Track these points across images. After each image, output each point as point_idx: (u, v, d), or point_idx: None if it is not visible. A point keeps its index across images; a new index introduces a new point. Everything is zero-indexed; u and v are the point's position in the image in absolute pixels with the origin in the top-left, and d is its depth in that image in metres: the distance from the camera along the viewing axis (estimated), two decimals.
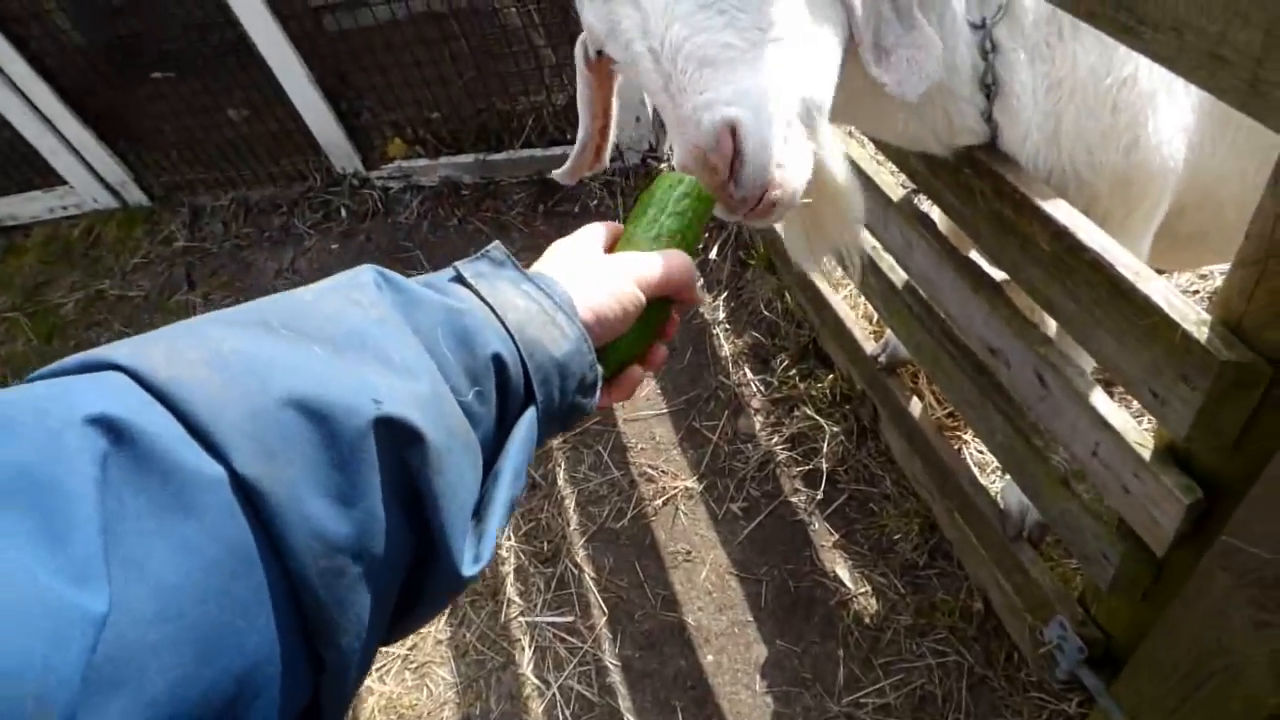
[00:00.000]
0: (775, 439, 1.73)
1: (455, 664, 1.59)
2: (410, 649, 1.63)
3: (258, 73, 2.41)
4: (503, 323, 0.42)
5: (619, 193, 2.35)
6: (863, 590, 1.48)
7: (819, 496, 1.62)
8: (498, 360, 0.41)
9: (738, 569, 1.58)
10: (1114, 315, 0.75)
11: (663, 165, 2.33)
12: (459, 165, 2.53)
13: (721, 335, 1.96)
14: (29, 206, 3.02)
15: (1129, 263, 0.73)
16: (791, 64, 0.65)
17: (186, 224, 2.83)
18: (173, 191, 2.89)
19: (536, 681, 1.53)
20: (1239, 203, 0.96)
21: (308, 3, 2.28)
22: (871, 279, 1.37)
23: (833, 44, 0.70)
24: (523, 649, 1.57)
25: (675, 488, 1.73)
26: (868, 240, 1.34)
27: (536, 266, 0.51)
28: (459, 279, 0.45)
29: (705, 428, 1.80)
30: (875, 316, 1.71)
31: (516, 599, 1.65)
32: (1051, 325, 1.10)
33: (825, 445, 1.66)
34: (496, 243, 0.49)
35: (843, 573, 1.52)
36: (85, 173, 2.82)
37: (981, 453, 1.56)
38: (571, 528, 1.72)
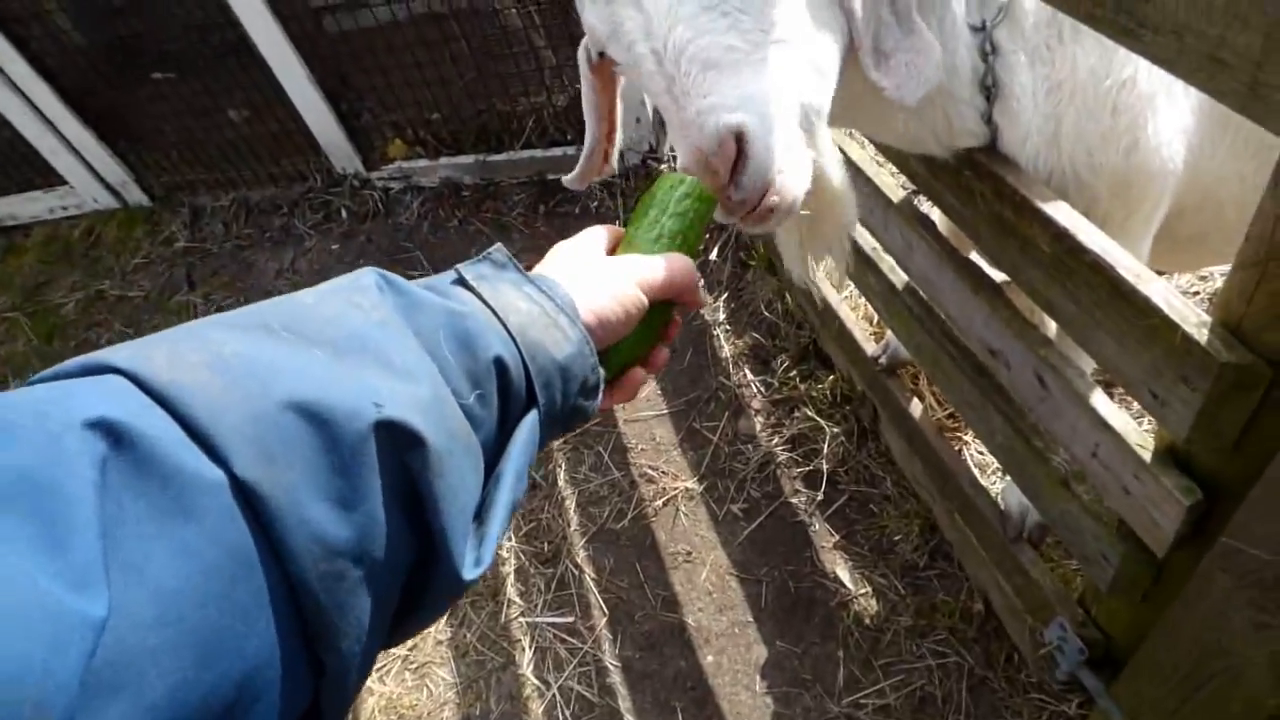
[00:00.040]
0: (775, 440, 1.73)
1: (455, 664, 1.59)
2: (410, 649, 1.63)
3: (258, 73, 2.41)
4: (504, 325, 0.42)
5: (619, 194, 2.36)
6: (863, 591, 1.48)
7: (819, 497, 1.62)
8: (499, 363, 0.41)
9: (738, 570, 1.58)
10: (1114, 317, 0.75)
11: (663, 166, 2.33)
12: (459, 166, 2.53)
13: (722, 336, 1.96)
14: (29, 206, 3.02)
15: (1129, 265, 0.73)
16: (793, 68, 0.66)
17: (187, 224, 2.83)
18: (173, 192, 2.89)
19: (536, 682, 1.53)
20: (1239, 204, 0.96)
21: (308, 3, 2.29)
22: (872, 280, 1.37)
23: (833, 48, 0.70)
24: (523, 649, 1.57)
25: (676, 488, 1.73)
26: (868, 241, 1.34)
27: (538, 269, 0.51)
28: (461, 281, 0.45)
29: (706, 429, 1.80)
30: (876, 318, 1.71)
31: (517, 599, 1.65)
32: (1051, 327, 1.10)
33: (826, 446, 1.66)
34: (498, 245, 0.49)
35: (843, 574, 1.52)
36: (86, 173, 2.82)
37: (982, 454, 1.56)
38: (572, 528, 1.72)
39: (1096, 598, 1.06)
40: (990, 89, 0.83)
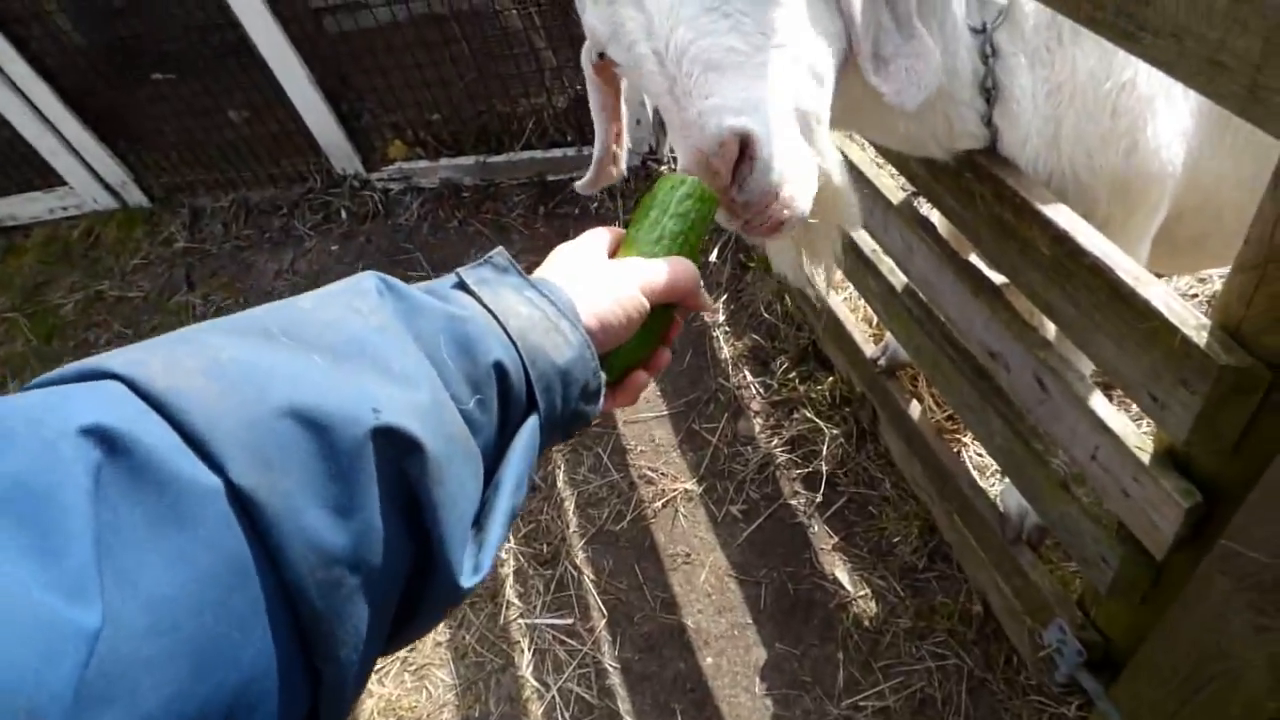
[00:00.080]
0: (775, 441, 1.73)
1: (454, 666, 1.59)
2: (410, 651, 1.62)
3: (258, 74, 2.41)
4: (505, 330, 0.42)
5: (619, 195, 2.36)
6: (862, 593, 1.48)
7: (818, 499, 1.62)
8: (499, 368, 0.41)
9: (737, 571, 1.58)
10: (1114, 319, 0.75)
11: (663, 168, 2.33)
12: (459, 167, 2.53)
13: (721, 338, 1.96)
14: (29, 207, 3.02)
15: (1129, 267, 0.73)
16: (794, 73, 0.66)
17: (186, 225, 2.83)
18: (173, 192, 2.89)
19: (536, 684, 1.52)
20: (1238, 207, 0.97)
21: (309, 4, 2.29)
22: (872, 282, 1.37)
23: (832, 53, 0.70)
24: (522, 651, 1.57)
25: (675, 490, 1.73)
26: (868, 243, 1.34)
27: (540, 272, 0.51)
28: (461, 285, 0.45)
29: (705, 430, 1.80)
30: (875, 319, 1.71)
31: (516, 601, 1.64)
32: (1051, 329, 1.10)
33: (825, 448, 1.66)
34: (500, 249, 0.48)
35: (842, 575, 1.52)
36: (85, 173, 2.82)
37: (981, 456, 1.56)
38: (571, 530, 1.72)
39: (1096, 600, 1.06)
40: (990, 91, 0.84)
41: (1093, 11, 0.58)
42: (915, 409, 1.45)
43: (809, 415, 1.72)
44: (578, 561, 1.67)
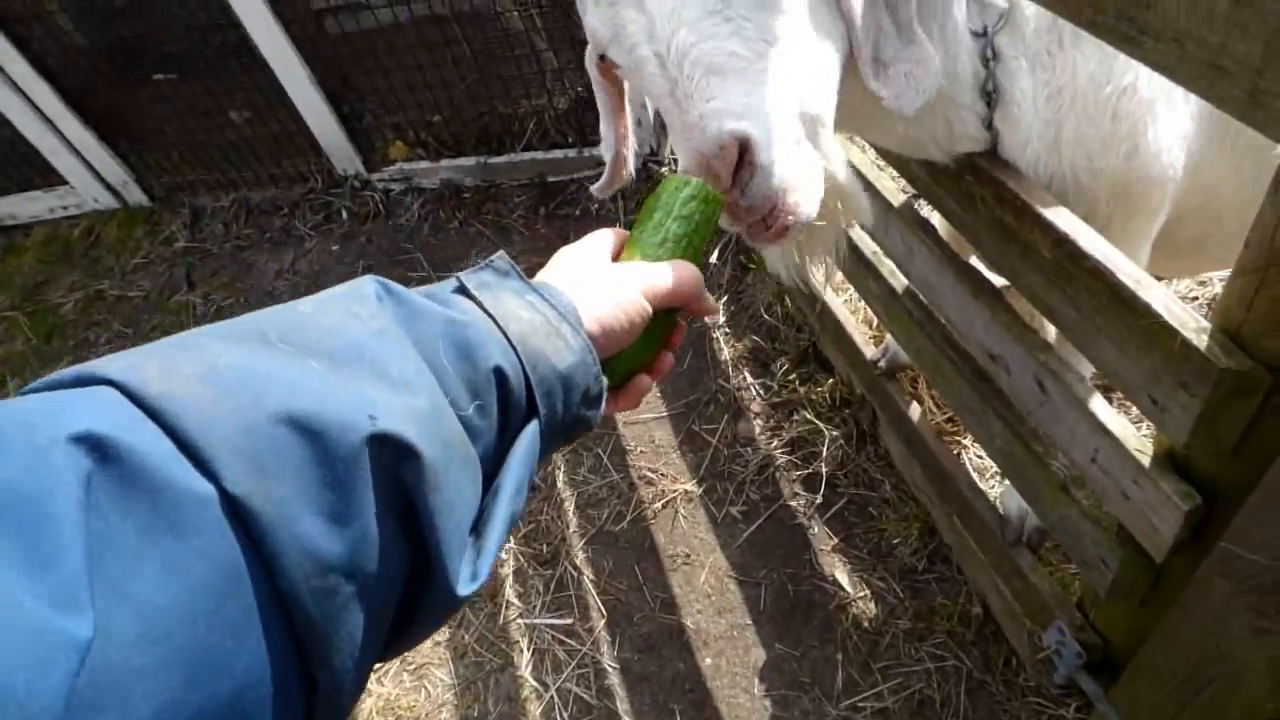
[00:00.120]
0: (775, 443, 1.73)
1: (454, 665, 1.59)
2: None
3: (260, 75, 2.42)
4: (505, 334, 0.42)
5: (620, 195, 2.36)
6: (861, 594, 1.48)
7: (818, 500, 1.62)
8: (499, 373, 0.40)
9: (737, 572, 1.58)
10: (1114, 322, 0.76)
11: (664, 169, 2.33)
12: (460, 168, 2.54)
13: (721, 339, 1.96)
14: (29, 206, 3.02)
15: (1129, 270, 0.74)
16: (796, 78, 0.66)
17: (187, 224, 2.83)
18: (174, 192, 2.89)
19: (535, 684, 1.52)
20: (1238, 210, 0.97)
21: (310, 5, 2.29)
22: (872, 284, 1.37)
23: (834, 57, 0.70)
24: (521, 651, 1.57)
25: (675, 491, 1.73)
26: (869, 245, 1.34)
27: (542, 275, 0.51)
28: (462, 290, 0.44)
29: (705, 431, 1.80)
30: (875, 321, 1.71)
31: (515, 601, 1.65)
32: (1051, 332, 1.11)
33: (825, 449, 1.66)
34: (501, 252, 0.48)
35: (841, 577, 1.52)
36: (86, 173, 2.82)
37: (981, 458, 1.56)
38: (571, 530, 1.72)
39: (1095, 602, 1.06)
40: (991, 94, 0.84)
41: (1093, 15, 0.58)
42: (915, 411, 1.46)
43: (809, 417, 1.72)
44: (577, 562, 1.67)
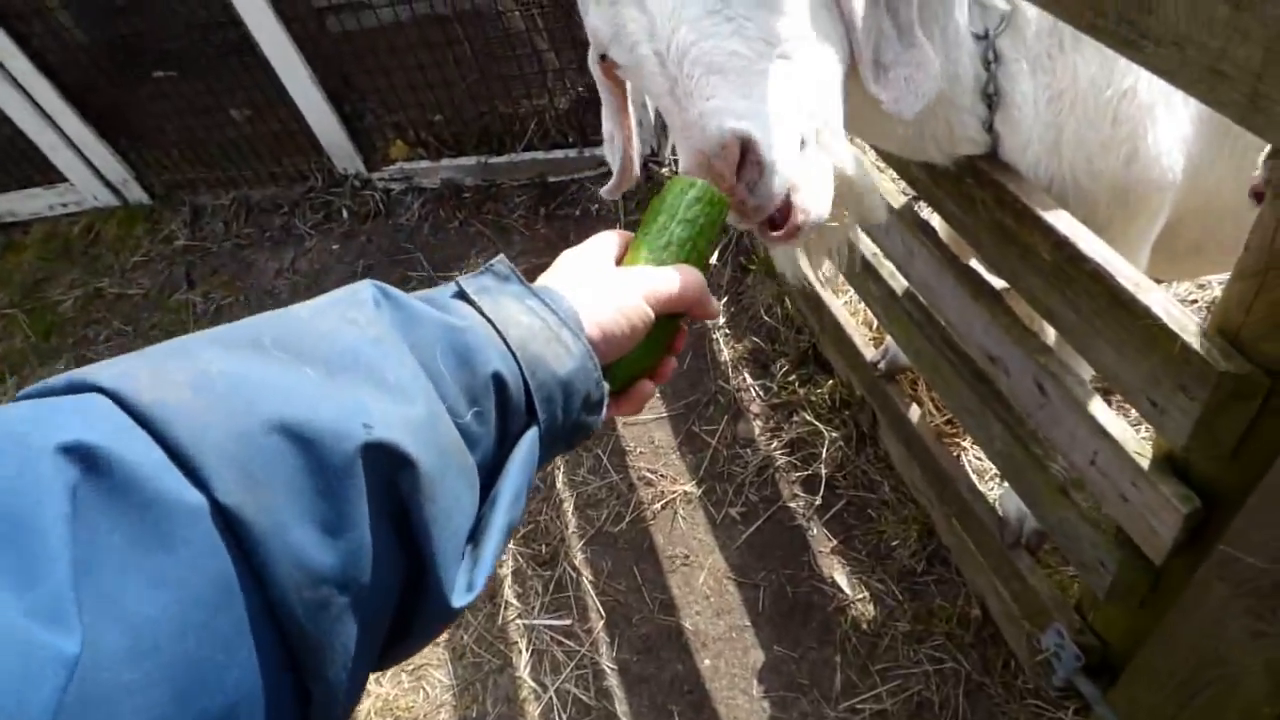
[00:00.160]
0: (774, 444, 1.73)
1: (452, 666, 1.58)
2: None
3: (260, 73, 2.42)
4: (504, 340, 0.41)
5: (621, 195, 2.36)
6: (860, 596, 1.48)
7: (817, 502, 1.62)
8: (498, 379, 0.40)
9: (736, 574, 1.58)
10: (1114, 325, 0.76)
11: (664, 170, 2.33)
12: (460, 167, 2.54)
13: (721, 340, 1.96)
14: (29, 203, 3.02)
15: (1129, 273, 0.74)
16: (798, 78, 0.66)
17: (187, 223, 2.83)
18: (174, 190, 2.89)
19: (533, 685, 1.52)
20: (1237, 214, 0.97)
21: (311, 4, 2.29)
22: (872, 286, 1.37)
23: (835, 60, 0.70)
24: (520, 652, 1.57)
25: (674, 492, 1.73)
26: (869, 247, 1.35)
27: (544, 278, 0.50)
28: (461, 294, 0.44)
29: (704, 432, 1.80)
30: (875, 323, 1.72)
31: (514, 602, 1.65)
32: (1051, 334, 1.11)
33: (824, 451, 1.66)
34: (501, 256, 0.48)
35: (840, 578, 1.52)
36: (86, 170, 2.82)
37: (980, 460, 1.56)
38: (570, 531, 1.72)
39: (1094, 604, 1.06)
40: (992, 97, 0.84)
41: (1094, 19, 0.58)
42: (915, 413, 1.46)
43: (808, 418, 1.72)
44: (576, 563, 1.67)
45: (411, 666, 1.60)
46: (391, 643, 0.37)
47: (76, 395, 0.31)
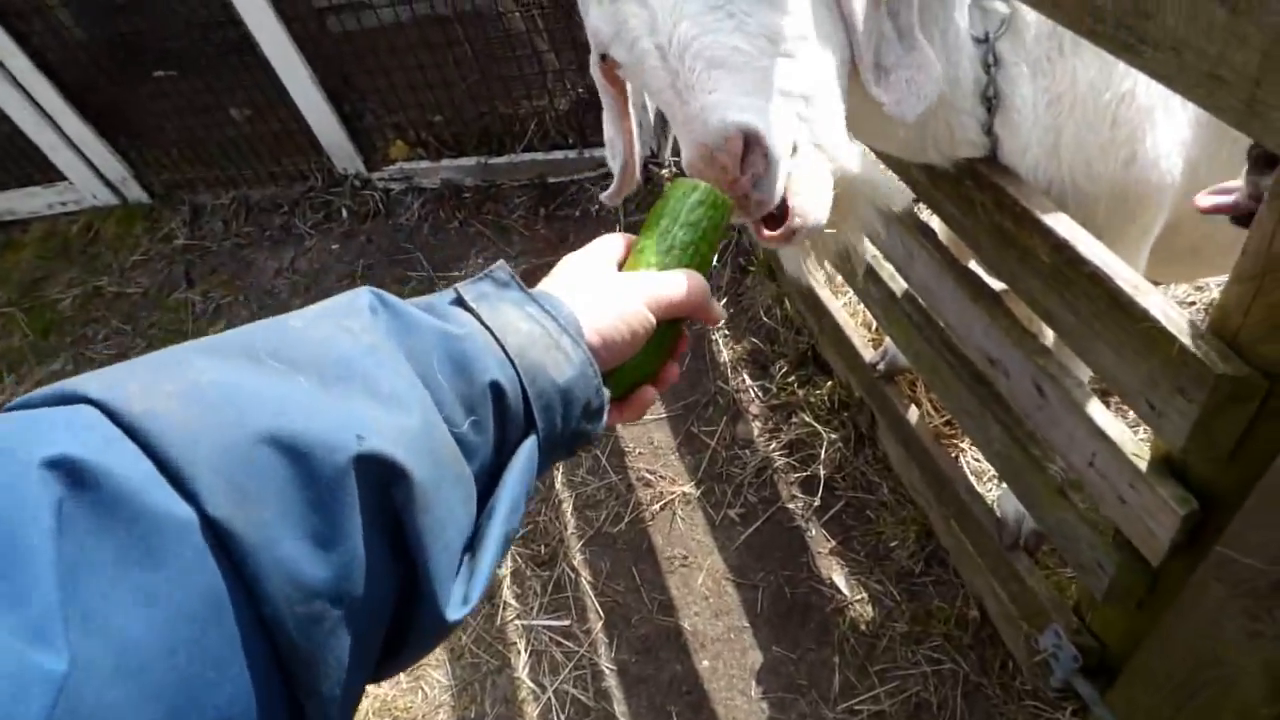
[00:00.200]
0: (773, 445, 1.74)
1: (450, 667, 1.58)
2: None
3: (261, 73, 2.42)
4: (503, 347, 0.41)
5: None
6: (859, 597, 1.49)
7: (816, 503, 1.62)
8: (496, 387, 0.40)
9: (734, 575, 1.58)
10: (1112, 328, 0.76)
11: (664, 171, 2.34)
12: (460, 168, 2.54)
13: (721, 341, 1.96)
14: (28, 202, 3.01)
15: (1128, 276, 0.74)
16: (798, 78, 0.66)
17: (186, 222, 2.83)
18: (173, 189, 2.89)
19: (532, 685, 1.52)
20: None
21: (312, 3, 2.29)
22: (871, 287, 1.38)
23: (836, 62, 0.70)
24: (519, 652, 1.57)
25: (673, 493, 1.73)
26: (868, 249, 1.35)
27: (544, 284, 0.50)
28: (459, 301, 0.43)
29: (703, 433, 1.81)
30: (874, 324, 1.72)
31: (513, 602, 1.65)
32: (1050, 336, 1.11)
33: (823, 452, 1.67)
34: (501, 262, 0.47)
35: (839, 579, 1.52)
36: (85, 169, 2.81)
37: (978, 461, 1.56)
38: (569, 531, 1.72)
39: (1092, 605, 1.07)
40: (992, 100, 0.84)
41: (1093, 24, 0.59)
42: (913, 414, 1.46)
43: (807, 419, 1.72)
44: (575, 563, 1.67)
45: (410, 667, 1.60)
46: (387, 655, 0.37)
47: (65, 407, 0.30)
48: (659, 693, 1.47)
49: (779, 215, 0.64)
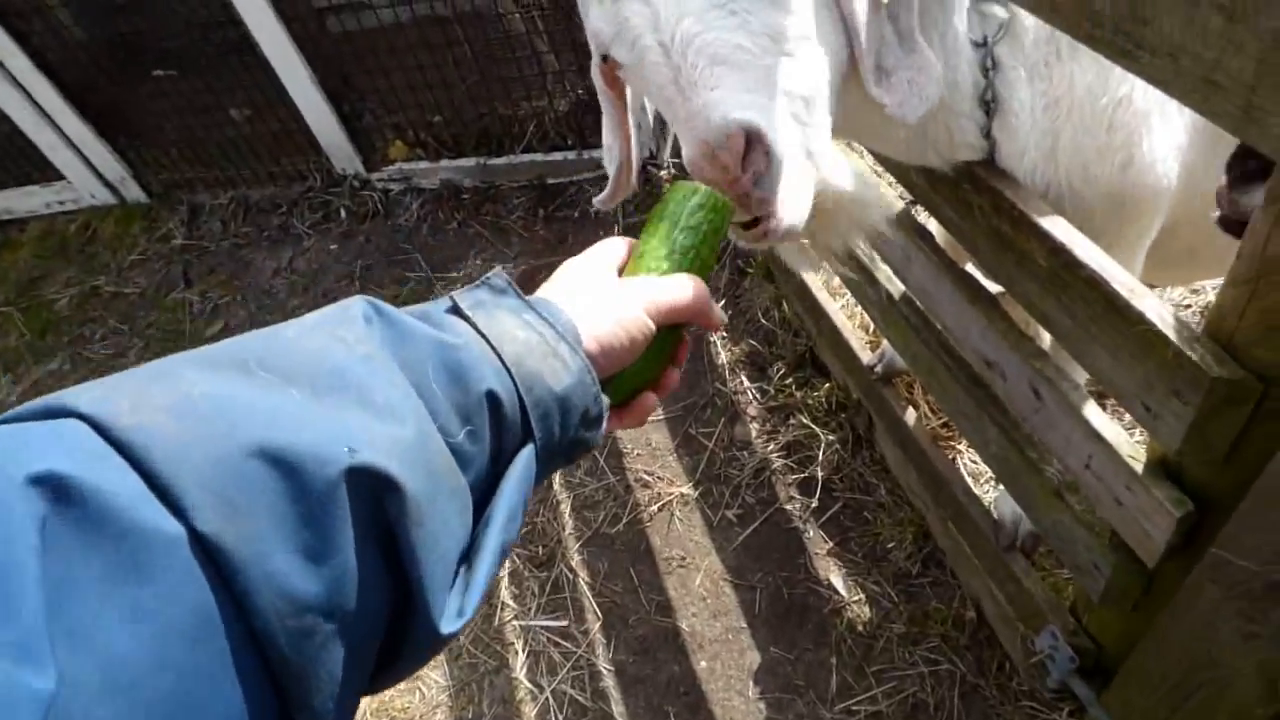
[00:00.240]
0: (771, 446, 1.74)
1: (448, 667, 1.58)
2: None
3: (260, 73, 2.42)
4: (499, 356, 0.40)
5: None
6: (856, 598, 1.49)
7: (814, 504, 1.63)
8: (492, 396, 0.39)
9: (732, 575, 1.58)
10: (1109, 330, 0.76)
11: (663, 172, 2.34)
12: (460, 169, 2.54)
13: (719, 343, 1.97)
14: (26, 201, 3.01)
15: (1124, 279, 0.75)
16: (798, 78, 0.66)
17: (185, 222, 2.82)
18: (171, 189, 2.88)
19: (530, 686, 1.53)
20: None
21: (311, 3, 2.29)
22: (869, 290, 1.38)
23: (835, 63, 0.71)
24: (516, 653, 1.57)
25: (671, 494, 1.73)
26: (866, 251, 1.35)
27: (543, 290, 0.49)
28: (455, 309, 0.43)
29: (701, 434, 1.81)
30: (872, 327, 1.72)
31: (511, 603, 1.65)
32: (1046, 338, 1.12)
33: (821, 453, 1.67)
34: (498, 269, 0.47)
35: (836, 580, 1.52)
36: (84, 168, 2.81)
37: (975, 463, 1.57)
38: (567, 532, 1.72)
39: (1088, 607, 1.07)
40: (990, 104, 0.85)
41: (1091, 29, 0.59)
42: (911, 416, 1.47)
43: (805, 421, 1.73)
44: (573, 564, 1.67)
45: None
46: (381, 667, 0.36)
47: (54, 421, 0.30)
48: (656, 693, 1.47)
49: (756, 216, 0.64)
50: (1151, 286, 0.81)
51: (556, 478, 1.82)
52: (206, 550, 0.29)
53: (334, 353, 0.36)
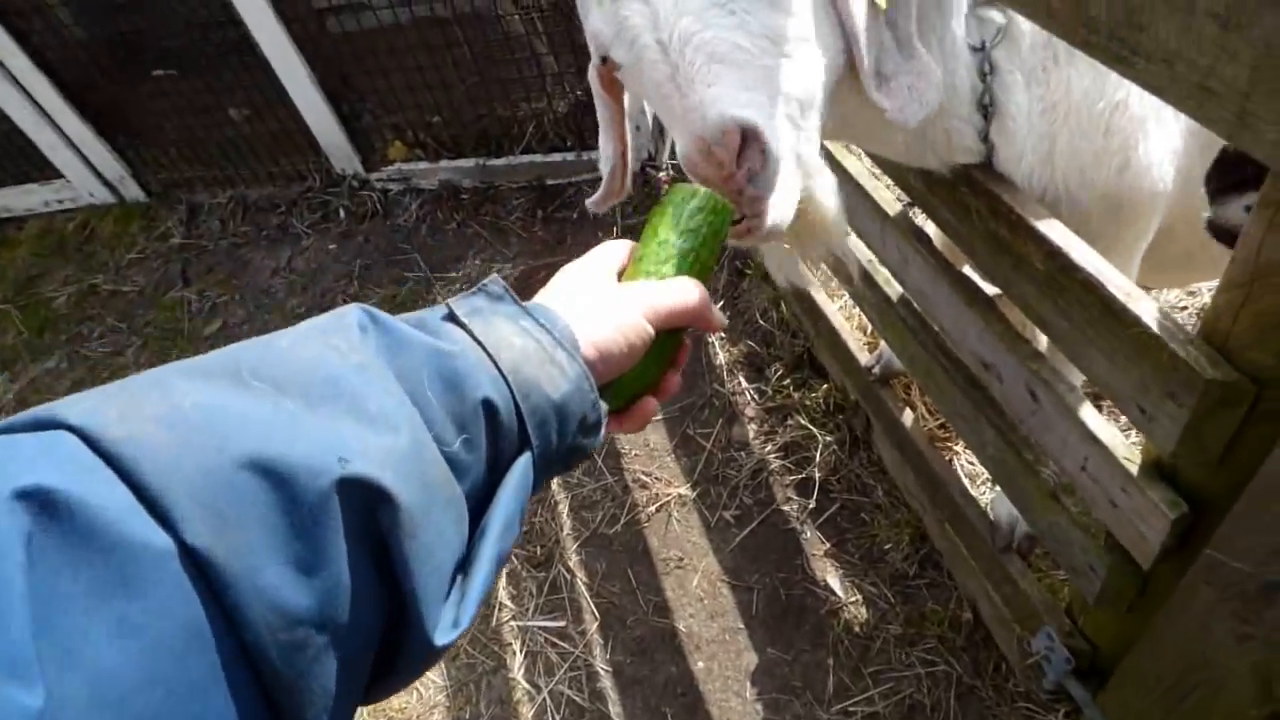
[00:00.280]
0: (768, 447, 1.74)
1: (445, 667, 1.59)
2: None
3: (260, 73, 2.42)
4: (496, 364, 0.40)
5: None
6: (853, 599, 1.49)
7: (811, 505, 1.63)
8: (488, 405, 0.39)
9: (729, 576, 1.59)
10: (1105, 333, 0.77)
11: (661, 175, 2.35)
12: (459, 169, 2.54)
13: (717, 344, 1.97)
14: (24, 199, 3.00)
15: (1120, 283, 0.75)
16: (795, 79, 0.67)
17: (183, 221, 2.82)
18: (170, 188, 2.88)
19: (527, 686, 1.53)
20: None
21: (311, 4, 2.29)
22: (867, 291, 1.38)
23: (831, 68, 0.71)
24: (514, 653, 1.57)
25: (668, 494, 1.73)
26: (864, 253, 1.36)
27: (541, 295, 0.49)
28: (451, 317, 0.43)
29: (699, 435, 1.81)
30: (870, 328, 1.73)
31: (508, 603, 1.65)
32: (1043, 341, 1.12)
33: (818, 455, 1.67)
34: (494, 275, 0.47)
35: (833, 581, 1.53)
36: (83, 167, 2.81)
37: (972, 464, 1.57)
38: (564, 533, 1.73)
39: (1084, 608, 1.08)
40: (987, 107, 0.85)
41: (1087, 35, 0.60)
42: (908, 417, 1.47)
43: (803, 422, 1.73)
44: (571, 564, 1.67)
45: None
46: (376, 679, 0.36)
47: (43, 433, 0.30)
48: (654, 694, 1.47)
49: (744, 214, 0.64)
50: (1148, 289, 0.81)
51: (555, 479, 1.82)
52: (196, 563, 0.29)
53: (328, 361, 0.36)
